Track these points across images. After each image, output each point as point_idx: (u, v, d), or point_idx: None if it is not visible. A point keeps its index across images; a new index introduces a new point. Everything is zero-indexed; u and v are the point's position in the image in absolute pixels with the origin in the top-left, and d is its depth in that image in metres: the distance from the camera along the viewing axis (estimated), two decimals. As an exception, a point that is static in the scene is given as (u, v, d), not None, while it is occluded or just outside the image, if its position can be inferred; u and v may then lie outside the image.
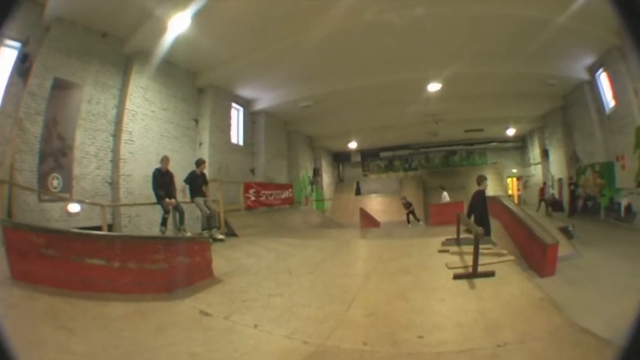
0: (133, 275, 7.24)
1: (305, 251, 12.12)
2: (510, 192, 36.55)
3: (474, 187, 12.43)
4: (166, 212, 13.05)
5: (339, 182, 40.11)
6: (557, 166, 27.07)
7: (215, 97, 21.36)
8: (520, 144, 36.46)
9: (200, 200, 13.82)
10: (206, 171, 14.88)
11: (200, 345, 5.27)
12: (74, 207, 14.21)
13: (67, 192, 14.23)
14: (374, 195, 36.55)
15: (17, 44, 13.29)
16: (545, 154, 29.45)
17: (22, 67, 13.32)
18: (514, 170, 37.21)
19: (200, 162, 14.37)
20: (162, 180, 13.20)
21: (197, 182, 13.93)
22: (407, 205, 26.00)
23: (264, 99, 24.30)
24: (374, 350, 4.88)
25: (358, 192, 38.11)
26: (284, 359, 5.01)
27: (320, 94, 22.31)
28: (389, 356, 4.75)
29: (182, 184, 13.73)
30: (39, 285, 6.51)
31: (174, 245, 8.23)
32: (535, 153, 32.45)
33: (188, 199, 13.77)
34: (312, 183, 32.78)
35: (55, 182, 13.95)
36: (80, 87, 15.15)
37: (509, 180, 37.61)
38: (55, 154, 14.02)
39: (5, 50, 13.04)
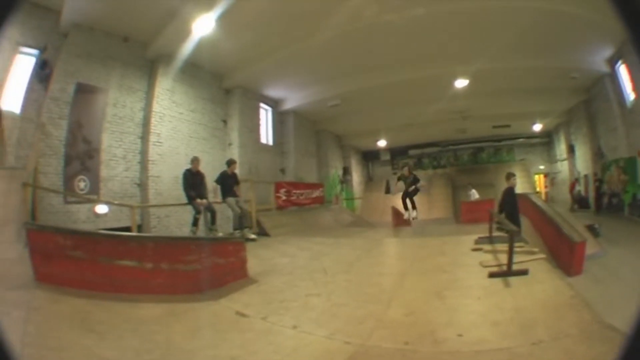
0: (165, 276, 7.16)
1: (339, 250, 11.85)
2: (537, 189, 35.79)
3: (503, 185, 12.24)
4: (198, 212, 12.99)
5: (369, 180, 39.58)
6: (583, 162, 26.29)
7: (243, 98, 21.15)
8: (547, 140, 35.48)
9: (232, 200, 13.66)
10: (237, 171, 14.70)
11: (239, 347, 5.08)
12: (101, 209, 14.19)
13: (94, 194, 14.24)
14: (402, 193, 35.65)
15: (34, 51, 13.40)
16: (571, 149, 28.61)
17: (42, 73, 13.41)
18: (541, 167, 36.22)
19: (231, 162, 14.27)
20: (193, 181, 13.09)
21: (228, 182, 13.80)
22: (412, 181, 17.60)
23: (292, 99, 24.09)
24: (416, 350, 4.78)
25: (388, 190, 37.43)
26: (328, 358, 4.82)
27: (348, 92, 21.95)
28: (430, 355, 4.68)
29: (213, 184, 13.60)
30: (65, 287, 6.43)
31: (208, 246, 8.13)
32: (561, 149, 31.44)
33: (219, 199, 13.61)
34: (342, 182, 32.47)
35: (82, 184, 13.95)
36: (105, 91, 15.13)
37: (536, 177, 36.84)
38: (81, 156, 14.06)
39: (22, 57, 13.14)
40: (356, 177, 36.24)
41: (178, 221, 15.87)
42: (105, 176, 14.76)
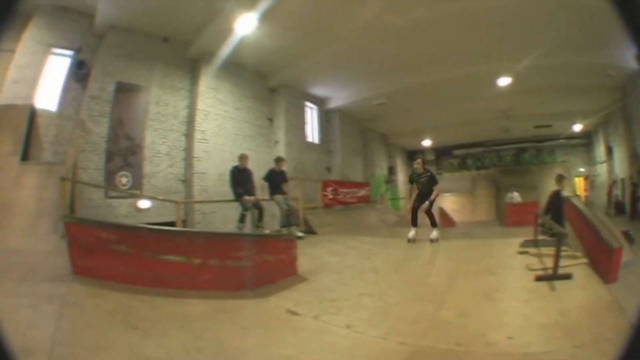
0: (214, 273, 7.06)
1: (387, 250, 11.78)
2: (578, 192, 34.81)
3: (545, 187, 11.92)
4: (245, 209, 13.02)
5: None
6: (620, 164, 25.17)
7: (288, 97, 21.17)
8: (587, 141, 34.19)
9: (280, 197, 13.60)
10: (284, 168, 14.79)
11: (293, 346, 4.94)
12: (144, 204, 14.37)
13: (137, 190, 14.46)
14: (447, 194, 35.33)
15: (68, 52, 13.89)
16: (609, 151, 27.43)
17: (79, 73, 13.81)
18: (581, 169, 35.27)
19: (279, 160, 14.35)
20: (240, 178, 13.11)
21: (276, 180, 13.81)
22: (427, 182, 13.04)
23: (337, 98, 24.01)
24: (469, 351, 4.81)
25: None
26: (385, 359, 4.81)
27: (393, 91, 21.82)
28: (483, 357, 4.70)
29: (260, 181, 13.68)
30: (105, 280, 6.34)
31: (259, 243, 8.18)
32: (600, 150, 30.29)
33: (267, 196, 13.67)
34: (387, 181, 32.26)
35: (124, 180, 14.15)
36: (147, 90, 15.33)
37: (576, 179, 35.88)
38: (124, 153, 14.32)
39: (55, 58, 13.63)
40: (401, 176, 35.87)
41: (223, 217, 15.87)
42: (149, 172, 14.95)
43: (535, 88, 21.34)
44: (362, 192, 22.82)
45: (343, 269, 9.17)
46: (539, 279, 7.42)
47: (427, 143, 34.35)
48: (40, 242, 8.93)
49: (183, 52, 16.42)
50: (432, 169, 32.41)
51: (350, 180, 23.96)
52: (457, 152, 37.80)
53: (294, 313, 6.08)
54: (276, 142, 20.23)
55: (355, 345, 5.09)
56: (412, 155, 35.84)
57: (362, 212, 21.29)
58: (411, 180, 13.75)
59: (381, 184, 30.00)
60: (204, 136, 16.41)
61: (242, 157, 13.49)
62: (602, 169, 29.05)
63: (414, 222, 12.78)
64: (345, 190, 20.91)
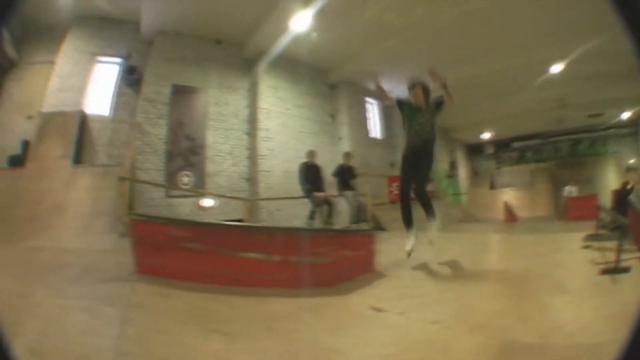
0: (294, 269, 6.86)
1: (459, 245, 11.46)
2: (629, 185, 33.17)
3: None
4: (316, 205, 13.06)
5: (474, 175, 38.75)
6: None
7: (349, 92, 21.29)
8: (634, 130, 33.12)
9: (349, 193, 13.79)
10: (352, 164, 14.81)
11: (388, 345, 4.79)
12: (207, 202, 14.49)
13: (200, 189, 14.59)
14: (507, 189, 34.52)
15: (116, 60, 14.41)
16: None
17: (131, 79, 14.23)
18: (631, 161, 33.76)
19: (347, 155, 14.48)
20: (310, 174, 13.14)
21: (345, 175, 13.85)
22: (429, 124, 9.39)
23: (396, 92, 23.04)
24: (551, 343, 4.84)
25: (492, 185, 37.02)
26: (480, 354, 4.75)
27: (453, 82, 20.70)
28: (564, 348, 4.73)
29: (330, 177, 13.83)
30: (174, 280, 6.17)
31: (338, 238, 8.25)
32: None
33: (337, 192, 13.82)
34: (449, 176, 32.05)
35: (185, 179, 14.26)
36: (205, 91, 15.49)
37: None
38: (184, 153, 14.50)
39: (102, 66, 14.19)
40: (462, 171, 35.80)
41: (289, 215, 15.69)
42: (212, 171, 15.01)
43: (588, 74, 20.76)
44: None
45: (419, 265, 8.91)
46: (604, 272, 7.36)
47: (485, 136, 33.93)
48: (97, 242, 8.99)
49: (238, 52, 16.54)
50: (491, 163, 32.05)
51: (414, 175, 23.41)
52: (515, 144, 37.30)
53: (378, 310, 5.88)
54: (340, 138, 20.22)
55: (447, 341, 4.95)
56: (470, 148, 35.66)
57: (428, 207, 20.79)
58: (399, 106, 9.04)
59: (443, 179, 29.79)
60: (267, 134, 16.50)
61: (311, 154, 13.53)
62: (650, 160, 27.97)
63: (408, 222, 8.85)
64: (410, 185, 20.40)
